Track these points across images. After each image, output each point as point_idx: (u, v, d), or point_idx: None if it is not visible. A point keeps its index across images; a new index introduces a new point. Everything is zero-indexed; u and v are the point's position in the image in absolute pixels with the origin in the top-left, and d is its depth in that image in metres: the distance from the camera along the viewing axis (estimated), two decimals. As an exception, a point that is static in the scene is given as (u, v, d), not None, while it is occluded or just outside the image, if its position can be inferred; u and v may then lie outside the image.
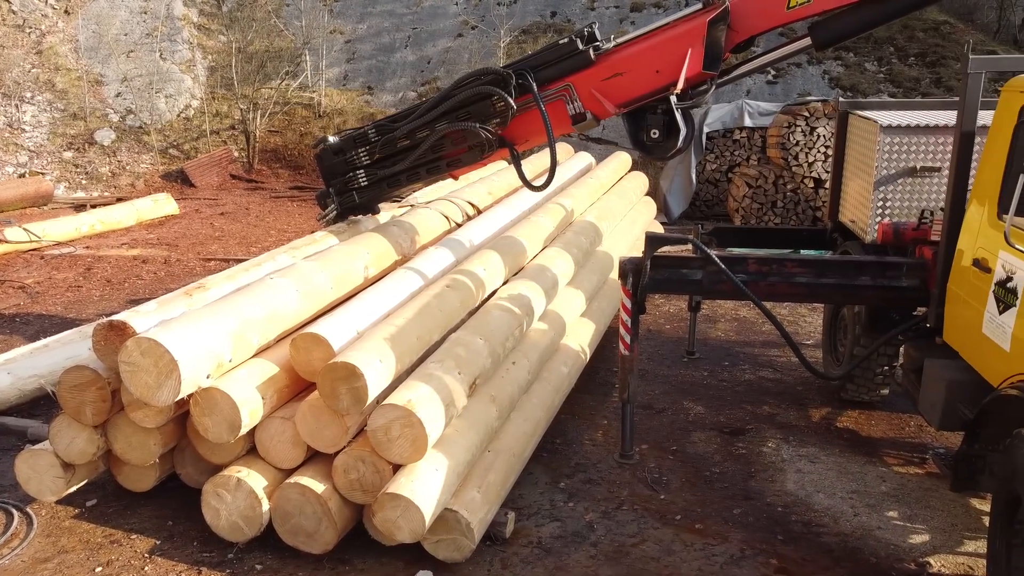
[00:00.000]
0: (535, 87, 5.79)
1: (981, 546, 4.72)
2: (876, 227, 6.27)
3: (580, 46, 5.74)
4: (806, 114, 12.45)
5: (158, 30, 20.64)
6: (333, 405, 4.29)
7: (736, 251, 5.73)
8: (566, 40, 5.81)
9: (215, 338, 4.33)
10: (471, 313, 5.72)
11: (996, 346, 4.12)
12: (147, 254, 12.01)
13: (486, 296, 5.99)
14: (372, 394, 4.27)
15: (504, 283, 6.34)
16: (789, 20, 5.54)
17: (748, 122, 14.04)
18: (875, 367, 6.42)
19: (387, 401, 4.24)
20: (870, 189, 6.36)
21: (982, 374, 4.34)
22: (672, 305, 9.44)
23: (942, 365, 4.70)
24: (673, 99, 5.57)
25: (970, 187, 4.75)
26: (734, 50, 5.78)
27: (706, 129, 14.15)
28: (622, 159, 11.59)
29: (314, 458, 4.62)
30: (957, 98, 4.99)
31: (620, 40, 5.83)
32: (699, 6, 5.61)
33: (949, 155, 6.04)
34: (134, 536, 4.92)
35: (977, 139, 4.87)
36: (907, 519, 5.10)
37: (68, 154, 18.09)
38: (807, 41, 5.67)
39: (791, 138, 12.50)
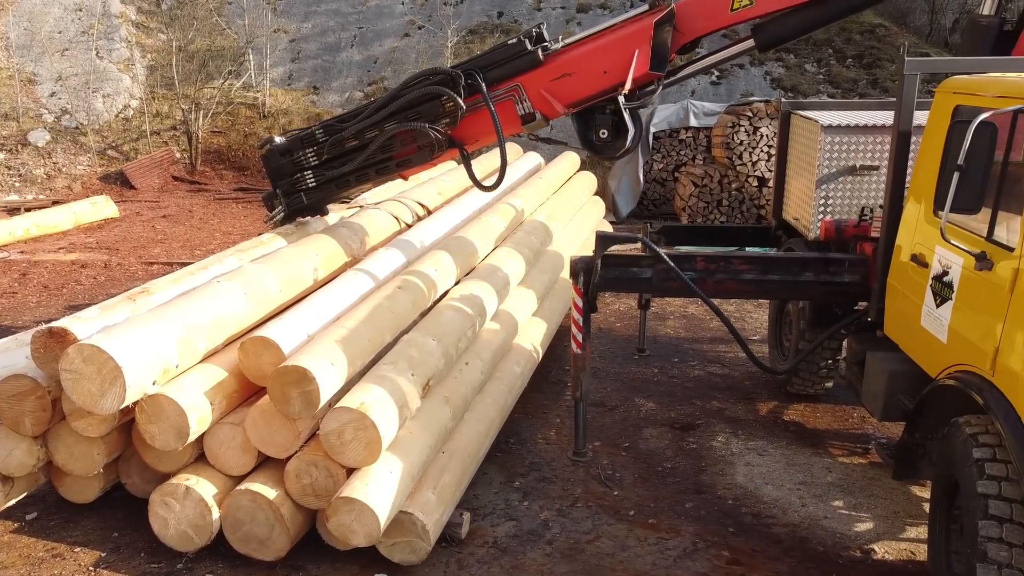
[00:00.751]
0: (484, 87, 5.79)
1: (922, 532, 4.88)
2: (819, 224, 6.43)
3: (529, 47, 5.76)
4: (749, 114, 12.70)
5: (94, 28, 20.06)
6: (284, 410, 4.23)
7: (685, 249, 5.80)
8: (514, 41, 5.83)
9: (161, 343, 4.22)
10: (423, 314, 5.69)
11: (934, 338, 4.26)
12: (86, 258, 11.66)
13: (438, 297, 5.97)
14: (324, 397, 4.22)
15: (456, 283, 6.32)
16: (733, 22, 5.66)
17: (693, 122, 14.26)
18: (819, 361, 6.59)
19: (340, 404, 4.19)
20: (812, 187, 6.51)
21: (921, 365, 4.49)
22: (622, 303, 9.54)
23: (883, 358, 4.84)
24: (621, 100, 5.64)
25: (907, 185, 4.91)
26: (679, 51, 5.88)
27: (652, 129, 14.33)
28: (571, 159, 11.66)
29: (265, 464, 4.54)
30: (894, 98, 5.15)
31: (568, 41, 5.87)
32: (645, 8, 5.69)
33: (887, 154, 6.23)
34: (78, 549, 4.77)
35: (913, 138, 5.03)
36: (852, 508, 5.24)
37: (0, 156, 17.46)
38: (750, 43, 5.79)
39: (735, 138, 12.74)
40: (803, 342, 6.43)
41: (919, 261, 4.47)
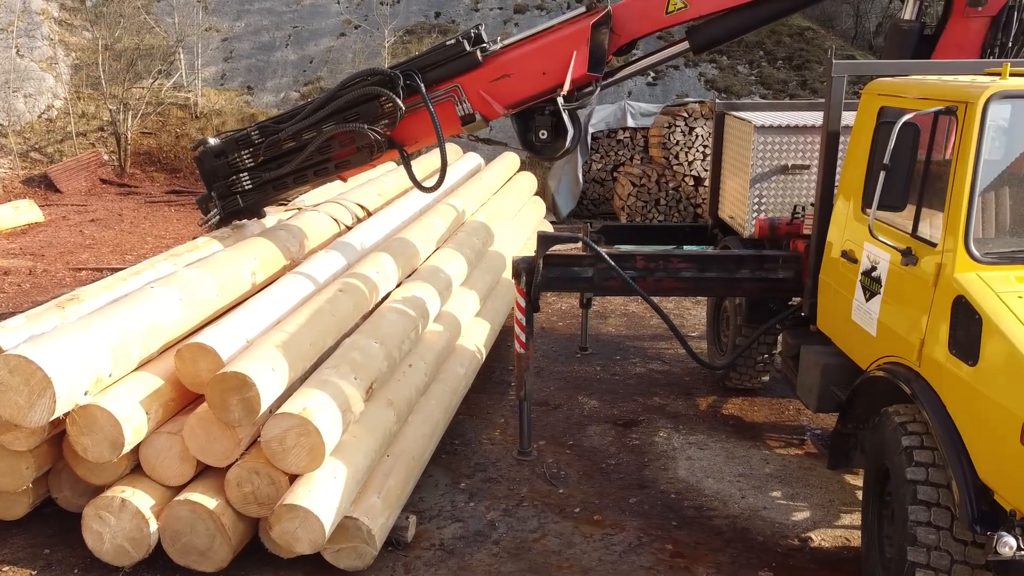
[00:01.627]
0: (423, 88, 5.77)
1: (857, 519, 5.04)
2: (754, 222, 6.59)
3: (467, 47, 5.76)
4: (685, 115, 12.93)
5: (14, 24, 19.26)
6: (223, 417, 4.14)
7: (624, 248, 5.88)
8: (453, 41, 5.82)
9: (92, 352, 4.09)
10: (365, 317, 5.64)
11: (864, 332, 4.41)
12: (9, 265, 11.19)
13: (380, 299, 5.92)
14: (265, 404, 4.14)
15: (398, 285, 6.28)
16: (667, 24, 5.76)
17: (631, 122, 14.45)
18: (756, 355, 6.76)
19: (281, 410, 4.13)
20: (746, 186, 6.67)
21: (852, 358, 4.64)
22: (564, 303, 9.61)
23: (816, 351, 4.99)
24: (560, 101, 5.69)
25: (837, 183, 5.07)
26: (616, 53, 5.96)
27: (591, 130, 14.47)
28: (510, 159, 11.69)
29: (205, 473, 4.44)
30: (822, 99, 5.31)
31: (507, 42, 5.89)
32: (582, 10, 5.75)
33: (817, 153, 6.43)
34: (6, 568, 4.58)
35: (841, 138, 5.20)
36: (790, 498, 5.39)
37: (-87, 159, 16.64)
38: (685, 45, 5.91)
39: (671, 138, 12.95)
40: (740, 337, 6.58)
41: (849, 257, 4.63)
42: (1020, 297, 3.38)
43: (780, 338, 5.90)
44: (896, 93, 4.38)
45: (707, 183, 11.96)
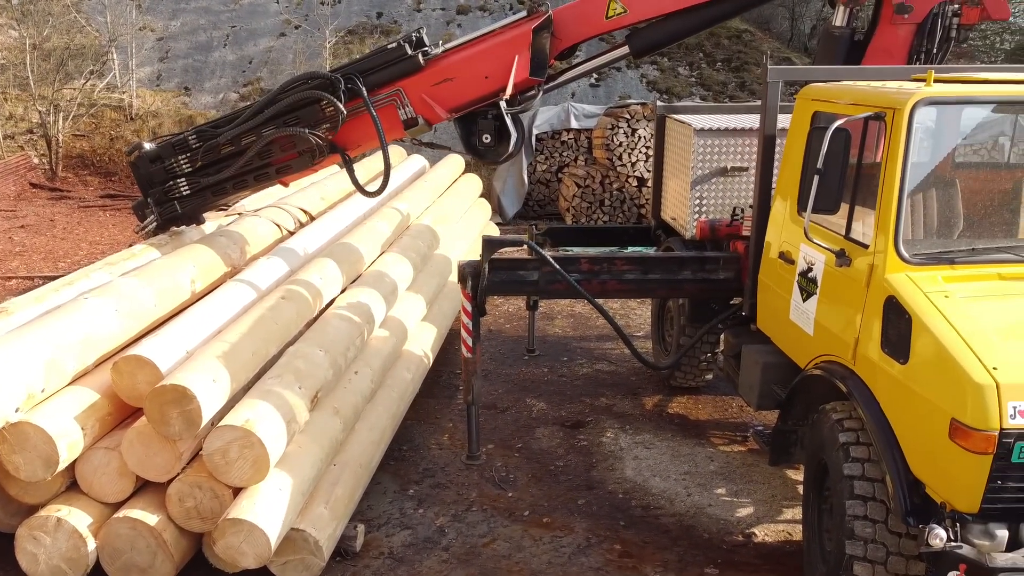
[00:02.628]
0: (365, 92, 5.72)
1: (798, 513, 5.17)
2: (695, 224, 6.71)
3: (409, 51, 5.73)
4: (627, 116, 13.08)
5: (-66, 23, 18.49)
6: (163, 431, 4.04)
7: (569, 251, 5.93)
8: (394, 45, 5.78)
9: (23, 367, 3.95)
10: (309, 324, 5.56)
11: (801, 331, 4.53)
12: (-67, 274, 10.74)
13: (324, 306, 5.85)
14: (206, 416, 4.06)
15: (342, 291, 6.21)
16: (608, 29, 5.83)
17: (574, 124, 14.56)
18: (699, 355, 6.87)
19: (223, 422, 4.04)
20: (687, 188, 6.78)
21: (791, 357, 4.76)
22: (511, 305, 9.63)
23: (757, 350, 5.10)
24: (503, 105, 5.69)
25: (774, 186, 5.19)
26: (558, 57, 5.99)
27: (535, 131, 14.53)
28: (455, 162, 11.67)
29: (145, 488, 4.33)
30: (759, 102, 5.43)
31: (449, 45, 5.88)
32: (524, 14, 5.77)
33: (755, 155, 6.57)
34: (-67, 594, 4.40)
35: (778, 141, 5.32)
36: (734, 495, 5.50)
37: None
38: (625, 49, 5.97)
39: (614, 139, 13.09)
40: (683, 337, 6.69)
41: (786, 258, 4.74)
42: (947, 296, 3.52)
43: (722, 338, 6.01)
44: (828, 99, 4.51)
45: (650, 184, 12.16)
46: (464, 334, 5.76)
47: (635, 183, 13.35)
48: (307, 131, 5.77)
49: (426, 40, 5.85)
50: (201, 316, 4.84)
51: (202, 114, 18.72)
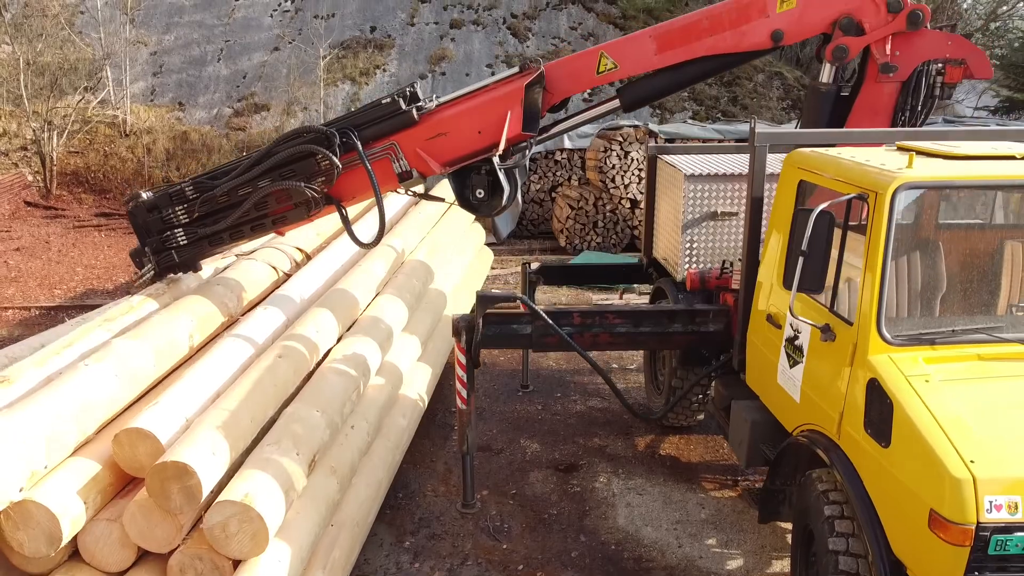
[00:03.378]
0: (360, 146, 5.80)
1: (787, 565, 5.27)
2: (687, 266, 6.83)
3: (403, 106, 5.81)
4: (620, 139, 13.18)
5: (-73, 40, 18.50)
6: (164, 505, 4.12)
7: (561, 305, 6.01)
8: (388, 100, 5.86)
9: (26, 445, 4.02)
10: (307, 377, 5.64)
11: (788, 396, 4.63)
12: (-71, 304, 10.78)
13: (320, 358, 5.92)
14: (207, 490, 4.13)
15: (338, 340, 6.29)
16: (599, 84, 5.95)
17: (568, 144, 14.65)
18: (691, 396, 6.97)
19: (223, 498, 4.12)
20: (678, 232, 6.89)
21: (778, 418, 4.86)
22: (505, 334, 9.69)
23: (746, 408, 5.20)
24: (496, 161, 5.79)
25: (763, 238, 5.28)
26: (550, 110, 6.10)
27: (528, 152, 14.58)
28: (447, 190, 11.75)
29: (146, 557, 4.40)
30: (747, 143, 5.41)
31: (442, 100, 5.96)
32: (516, 70, 5.86)
33: (745, 202, 6.69)
34: (-62, 660, 4.47)
35: (768, 185, 5.38)
36: (724, 545, 5.60)
37: None
38: (616, 103, 6.07)
39: (607, 162, 13.19)
40: (675, 379, 6.79)
41: (774, 322, 4.84)
42: (927, 381, 3.62)
43: (713, 386, 6.11)
44: (814, 169, 4.61)
45: (643, 206, 12.32)
46: (459, 385, 5.84)
47: (628, 205, 13.46)
48: (303, 185, 5.86)
49: (420, 94, 5.94)
50: (199, 379, 4.91)
51: (196, 129, 18.79)
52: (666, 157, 7.45)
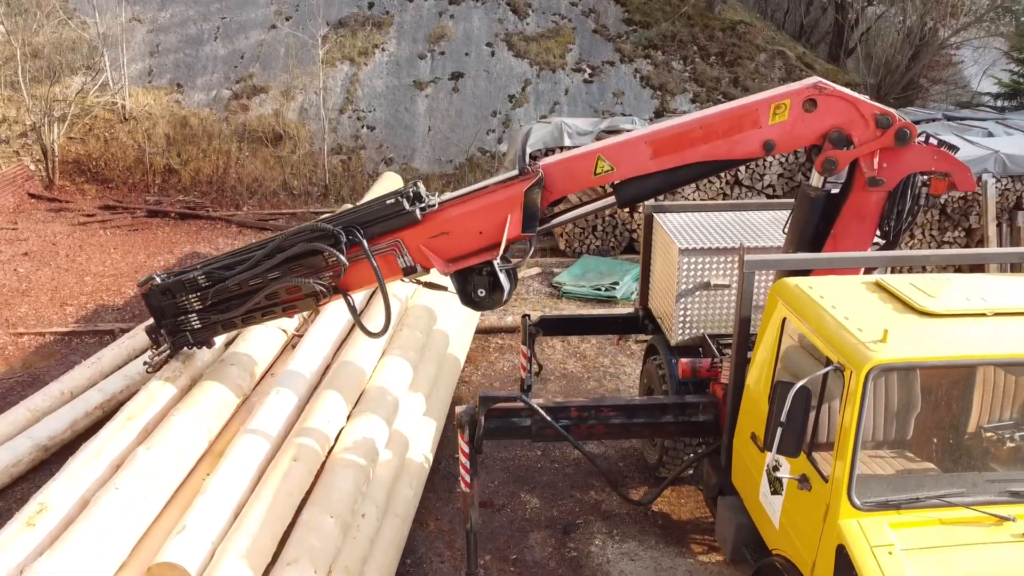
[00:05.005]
0: (366, 244, 6.05)
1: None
2: (680, 331, 7.14)
3: (407, 206, 6.02)
4: (619, 145, 13.25)
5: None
6: (197, 638, 4.54)
7: (558, 400, 6.33)
8: (392, 201, 6.07)
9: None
10: (319, 470, 6.00)
11: (768, 518, 4.99)
12: (-54, 326, 11.09)
13: (332, 445, 6.26)
14: (235, 624, 4.55)
15: (348, 416, 6.63)
16: (595, 184, 6.14)
17: (567, 141, 14.68)
18: (683, 452, 7.36)
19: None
20: (672, 300, 7.17)
21: (759, 529, 5.23)
22: (506, 362, 10.06)
23: (732, 506, 5.56)
24: (496, 263, 6.03)
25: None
26: (548, 205, 6.30)
27: (528, 149, 14.61)
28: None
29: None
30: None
31: (445, 198, 6.16)
32: (515, 173, 6.05)
33: (737, 272, 6.96)
34: None
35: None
36: (709, 621, 6.07)
37: None
38: (612, 200, 6.27)
39: (607, 167, 13.29)
40: (667, 440, 7.16)
41: (757, 443, 5.17)
42: (890, 553, 3.97)
43: (704, 470, 6.46)
44: (797, 311, 4.86)
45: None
46: (462, 471, 6.20)
47: (627, 210, 13.62)
48: (312, 281, 6.13)
49: (423, 194, 6.14)
50: (220, 493, 5.27)
51: (195, 114, 18.77)
52: (662, 218, 7.66)
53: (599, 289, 12.16)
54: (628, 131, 13.53)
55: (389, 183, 13.23)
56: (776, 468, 4.86)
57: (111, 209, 16.58)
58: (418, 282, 6.53)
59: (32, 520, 4.97)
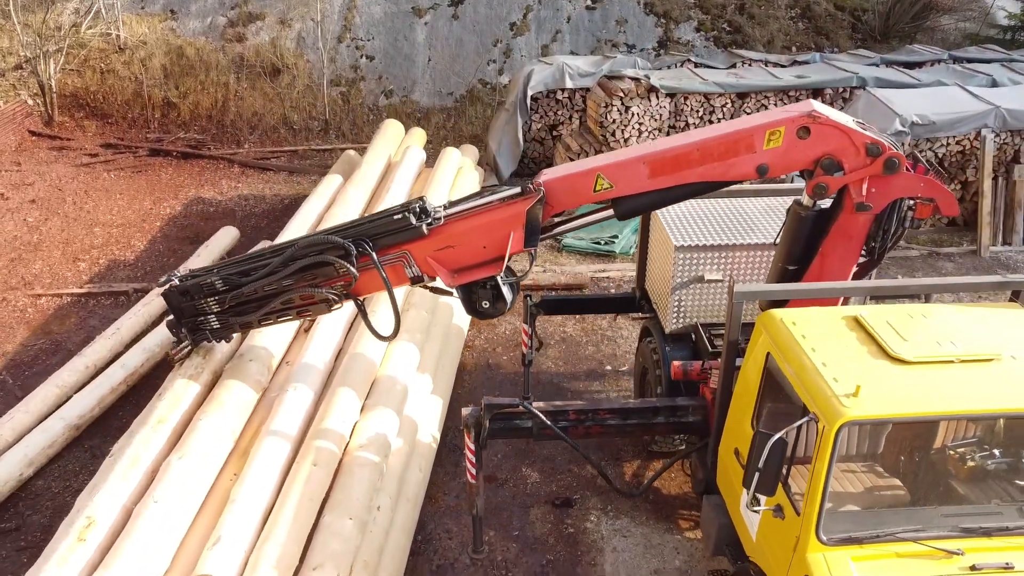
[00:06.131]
0: (375, 256, 6.35)
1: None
2: (675, 320, 7.52)
3: (413, 221, 6.28)
4: (621, 94, 13.24)
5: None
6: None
7: (558, 403, 6.76)
8: (399, 216, 6.32)
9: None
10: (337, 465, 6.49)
11: (747, 528, 5.51)
12: (-35, 285, 11.44)
13: (347, 442, 6.73)
14: (269, 629, 5.13)
15: (361, 407, 7.08)
16: (595, 200, 6.36)
17: (569, 83, 14.65)
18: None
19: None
20: (668, 292, 7.52)
21: (739, 534, 5.77)
22: (508, 325, 10.47)
23: (716, 506, 6.08)
24: (499, 277, 6.34)
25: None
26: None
27: (530, 91, 14.64)
28: (451, 156, 12.10)
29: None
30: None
31: (450, 212, 6.40)
32: (518, 190, 6.27)
33: (732, 268, 7.29)
34: None
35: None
36: (692, 599, 6.72)
37: None
38: (611, 212, 6.50)
39: (608, 117, 13.33)
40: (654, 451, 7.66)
41: (739, 458, 5.63)
42: (850, 586, 4.49)
43: (691, 463, 6.96)
44: (780, 347, 5.22)
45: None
46: (468, 465, 6.71)
47: (627, 157, 13.72)
48: (324, 290, 6.47)
49: (429, 208, 6.37)
50: (249, 500, 5.77)
51: (191, 43, 18.50)
52: (659, 211, 7.89)
53: (599, 243, 12.46)
54: (630, 76, 13.53)
55: (391, 132, 13.29)
56: (754, 500, 5.33)
57: (113, 147, 16.63)
58: (425, 287, 6.83)
59: (82, 535, 5.49)
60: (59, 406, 8.29)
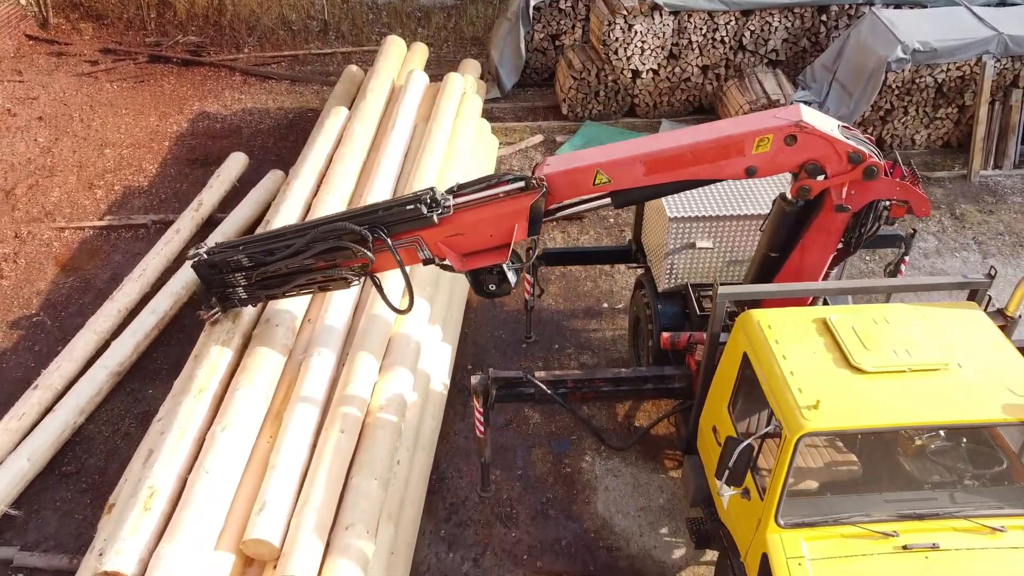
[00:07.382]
0: (390, 242, 6.90)
1: (714, 556, 7.38)
2: (667, 281, 8.13)
3: (424, 211, 6.77)
4: (624, 13, 13.14)
5: None
6: (285, 593, 6.09)
7: (558, 372, 7.47)
8: (412, 207, 6.80)
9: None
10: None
11: (719, 499, 6.36)
12: (-11, 214, 11.88)
13: (368, 403, 7.49)
14: (312, 583, 6.07)
15: (379, 367, 7.81)
16: (594, 192, 6.82)
17: (570, -10, 14.44)
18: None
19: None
20: (661, 257, 8.08)
21: (713, 498, 6.63)
22: (510, 260, 11.01)
23: (695, 467, 6.92)
24: (505, 265, 6.89)
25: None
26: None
27: (532, 1, 14.46)
28: (454, 81, 12.22)
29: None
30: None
31: (459, 201, 6.86)
32: (523, 184, 6.71)
33: (721, 237, 7.82)
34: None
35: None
36: (673, 533, 7.70)
37: None
38: (608, 200, 6.96)
39: (611, 35, 13.30)
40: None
41: (716, 436, 6.41)
42: (800, 564, 5.34)
43: (676, 420, 7.74)
44: (755, 349, 5.86)
45: (643, 75, 12.87)
46: (477, 423, 7.51)
47: (630, 75, 13.80)
48: (343, 270, 7.07)
49: (439, 198, 6.83)
50: (286, 470, 6.59)
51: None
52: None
53: (598, 168, 12.77)
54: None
55: (394, 49, 13.29)
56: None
57: (112, 53, 16.53)
58: (437, 265, 7.38)
59: (147, 504, 6.33)
60: (98, 352, 9.04)
